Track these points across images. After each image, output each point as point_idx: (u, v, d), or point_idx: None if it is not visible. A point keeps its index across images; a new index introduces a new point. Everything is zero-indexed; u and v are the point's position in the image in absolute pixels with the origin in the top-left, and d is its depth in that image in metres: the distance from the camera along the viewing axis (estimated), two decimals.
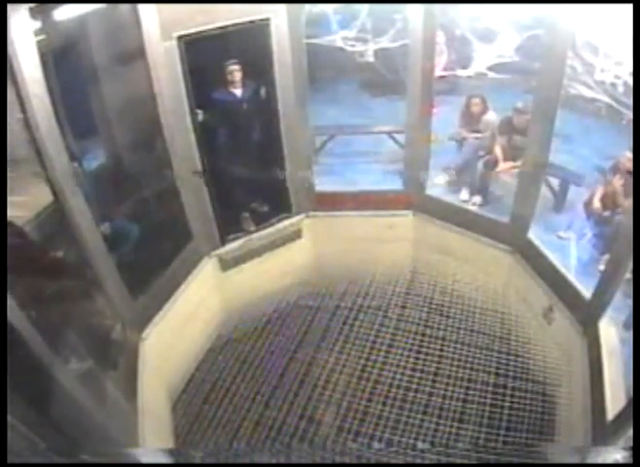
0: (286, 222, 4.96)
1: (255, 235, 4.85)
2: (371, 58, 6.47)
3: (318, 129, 5.65)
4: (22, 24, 2.72)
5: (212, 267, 4.69)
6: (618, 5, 3.70)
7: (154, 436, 3.56)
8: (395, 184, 5.05)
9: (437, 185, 5.46)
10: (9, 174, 3.00)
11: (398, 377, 4.12)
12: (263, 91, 4.45)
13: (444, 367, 4.20)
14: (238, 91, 4.46)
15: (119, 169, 4.45)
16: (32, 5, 2.75)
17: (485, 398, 3.94)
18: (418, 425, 3.83)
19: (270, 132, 4.59)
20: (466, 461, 2.24)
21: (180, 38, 3.68)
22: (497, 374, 4.10)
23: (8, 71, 2.75)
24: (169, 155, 3.97)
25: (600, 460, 1.84)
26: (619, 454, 1.78)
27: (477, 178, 5.51)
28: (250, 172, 4.77)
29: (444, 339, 4.38)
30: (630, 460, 1.56)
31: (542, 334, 4.24)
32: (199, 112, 4.14)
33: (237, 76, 4.38)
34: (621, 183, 4.61)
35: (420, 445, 3.71)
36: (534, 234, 4.38)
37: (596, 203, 4.82)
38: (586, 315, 3.77)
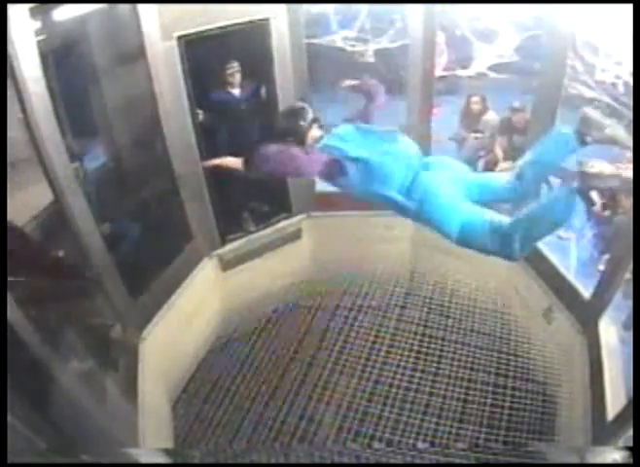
0: (286, 222, 4.96)
1: (255, 235, 4.84)
2: (371, 59, 6.47)
3: None
4: (22, 24, 2.71)
5: (212, 267, 4.69)
6: (618, 5, 3.70)
7: (154, 436, 3.56)
8: None
9: None
10: (9, 174, 3.00)
11: (398, 377, 4.12)
12: (263, 92, 4.45)
13: (444, 367, 4.20)
14: (237, 91, 4.47)
15: (119, 169, 4.45)
16: (32, 5, 2.75)
17: (485, 398, 3.94)
18: (418, 425, 3.82)
19: (270, 132, 4.59)
20: (465, 461, 2.25)
21: (180, 38, 3.68)
22: (497, 374, 4.10)
23: (8, 71, 2.75)
24: (169, 155, 3.96)
25: (600, 460, 1.85)
26: (618, 454, 1.78)
27: None
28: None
29: (443, 339, 4.38)
30: (630, 460, 1.56)
31: (542, 334, 4.24)
32: (200, 112, 4.14)
33: (237, 77, 4.40)
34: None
35: (420, 445, 3.71)
36: None
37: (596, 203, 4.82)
38: (586, 315, 3.77)
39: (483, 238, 2.29)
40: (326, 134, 2.66)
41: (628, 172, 2.25)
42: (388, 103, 3.10)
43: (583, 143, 2.37)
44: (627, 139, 2.31)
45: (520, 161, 2.47)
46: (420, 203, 2.44)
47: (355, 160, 2.48)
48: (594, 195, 4.76)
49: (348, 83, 3.05)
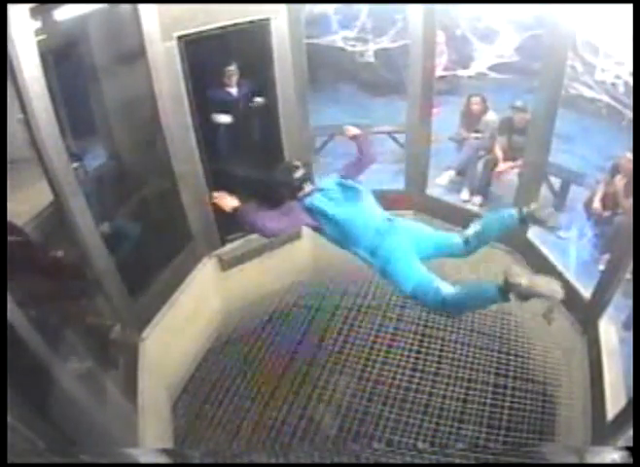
0: None
1: (255, 235, 4.84)
2: (371, 59, 6.49)
3: (318, 130, 5.66)
4: (22, 24, 2.72)
5: (212, 267, 4.69)
6: (618, 5, 3.70)
7: (154, 436, 3.56)
8: (395, 184, 5.05)
9: (437, 185, 5.47)
10: (9, 174, 3.00)
11: (398, 377, 4.12)
12: (261, 99, 4.48)
13: (444, 367, 4.20)
14: (234, 90, 4.49)
15: (119, 169, 4.45)
16: (32, 5, 2.75)
17: (485, 398, 3.94)
18: (418, 425, 3.82)
19: (270, 132, 4.59)
20: (465, 461, 2.25)
21: (180, 38, 3.68)
22: (497, 374, 4.10)
23: (8, 71, 2.75)
24: (169, 155, 3.97)
25: (599, 460, 1.84)
26: (618, 454, 1.78)
27: (477, 178, 5.51)
28: (250, 172, 4.77)
29: (443, 339, 4.37)
30: (630, 460, 1.56)
31: (542, 334, 4.24)
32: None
33: (233, 79, 4.48)
34: (622, 183, 4.61)
35: (420, 445, 3.71)
36: (534, 234, 4.38)
37: (597, 203, 4.84)
38: (586, 315, 3.77)
39: (427, 300, 2.90)
40: (314, 187, 3.11)
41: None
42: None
43: (523, 223, 3.05)
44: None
45: (469, 231, 3.01)
46: (384, 263, 2.95)
47: (333, 221, 2.97)
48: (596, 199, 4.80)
49: (352, 132, 3.44)
